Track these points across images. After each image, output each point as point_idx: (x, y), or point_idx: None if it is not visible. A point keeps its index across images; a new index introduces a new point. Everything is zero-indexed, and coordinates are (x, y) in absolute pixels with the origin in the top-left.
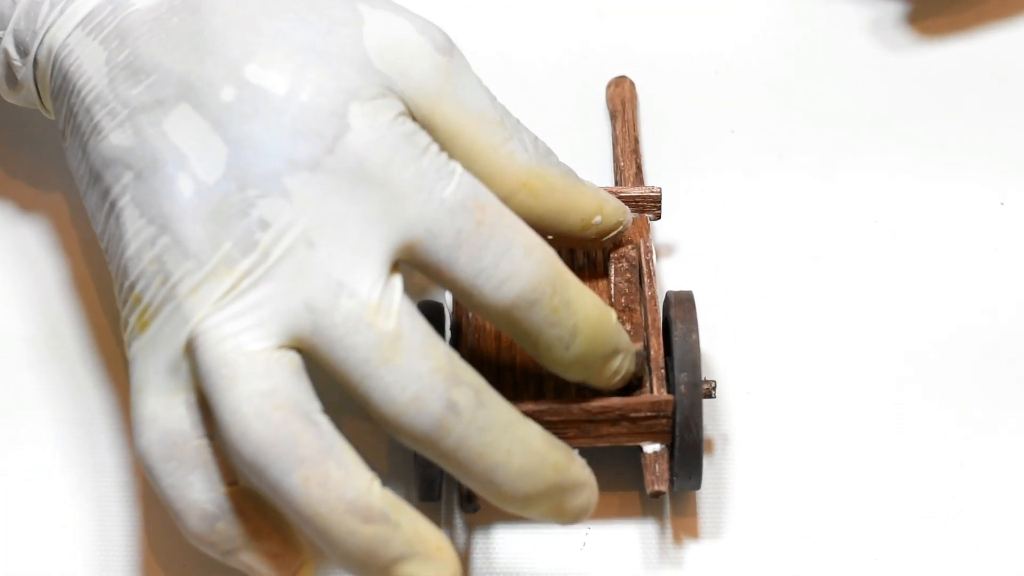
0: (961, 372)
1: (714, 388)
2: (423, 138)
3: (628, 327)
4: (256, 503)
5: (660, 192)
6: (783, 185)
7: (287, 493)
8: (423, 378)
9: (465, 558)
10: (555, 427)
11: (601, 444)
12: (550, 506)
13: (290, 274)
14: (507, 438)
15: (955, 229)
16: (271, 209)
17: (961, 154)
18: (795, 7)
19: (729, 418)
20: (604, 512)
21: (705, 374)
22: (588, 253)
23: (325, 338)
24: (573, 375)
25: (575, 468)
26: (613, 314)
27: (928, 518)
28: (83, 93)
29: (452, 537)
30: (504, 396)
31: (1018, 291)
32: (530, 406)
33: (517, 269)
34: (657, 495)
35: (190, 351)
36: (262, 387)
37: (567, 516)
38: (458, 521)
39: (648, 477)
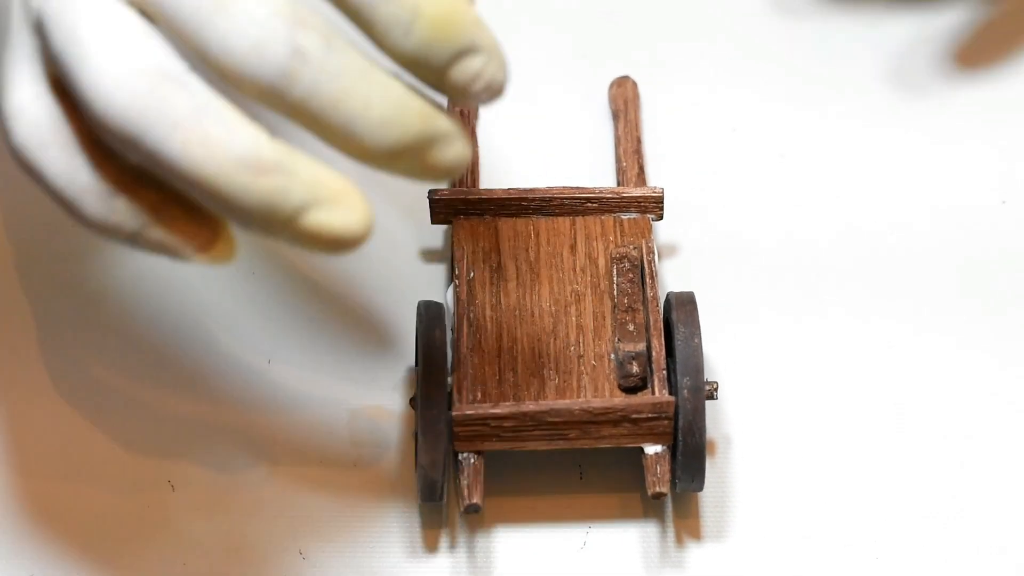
0: (962, 373)
1: (716, 389)
2: None
3: (631, 328)
4: (152, 177)
5: (662, 193)
6: (784, 185)
7: (169, 161)
8: (263, 23)
9: (466, 559)
10: (556, 428)
11: (603, 445)
12: (418, 160)
13: None
14: (364, 84)
15: (956, 228)
16: None
17: (962, 153)
18: (797, 6)
19: (731, 419)
20: (605, 513)
21: (706, 375)
22: (589, 253)
23: None
24: (422, 75)
25: (442, 118)
26: (472, 6)
27: (928, 518)
28: None
29: (453, 537)
30: (505, 397)
31: (1020, 291)
32: (531, 406)
33: None
34: (658, 497)
35: (40, 28)
36: (119, 54)
37: (438, 171)
38: (459, 522)
39: (649, 479)
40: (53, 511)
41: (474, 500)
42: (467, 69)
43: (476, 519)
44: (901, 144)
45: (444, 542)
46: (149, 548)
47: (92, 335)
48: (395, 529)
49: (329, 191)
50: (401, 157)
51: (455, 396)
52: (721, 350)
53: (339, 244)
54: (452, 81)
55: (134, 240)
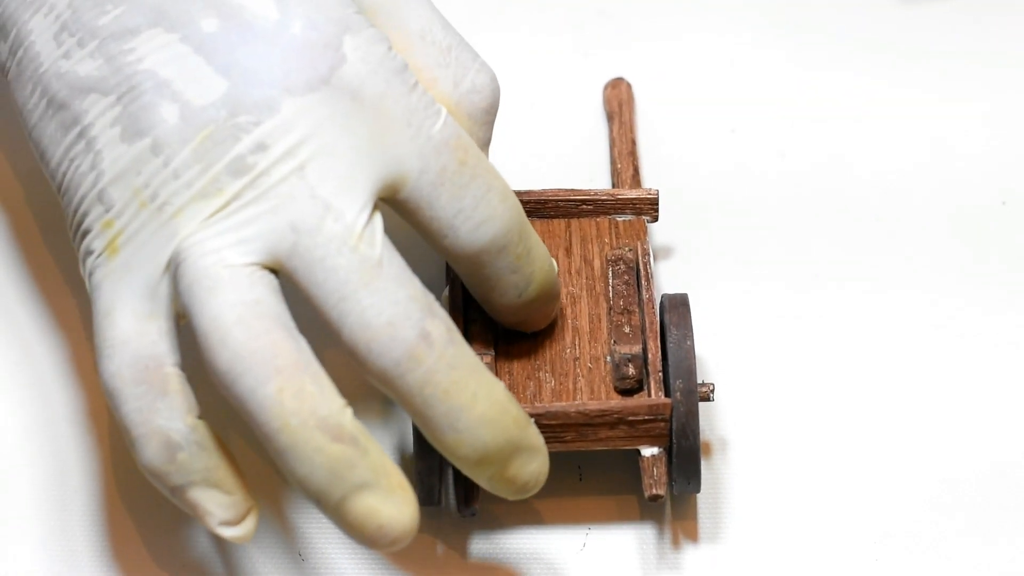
0: (960, 372)
1: (712, 391)
2: (411, 76)
3: (627, 330)
4: (217, 441)
5: (657, 194)
6: (783, 185)
7: (260, 402)
8: (400, 304)
9: (464, 563)
10: (552, 430)
11: (599, 448)
12: (504, 467)
13: (279, 196)
14: (474, 381)
15: (956, 228)
16: (265, 135)
17: (962, 153)
18: (796, 5)
19: (728, 420)
20: (602, 516)
21: (703, 376)
22: (584, 255)
23: (306, 259)
24: (512, 319)
25: (532, 430)
26: (555, 263)
27: (928, 520)
28: (44, 23)
29: (451, 541)
30: None
31: (1020, 290)
32: (527, 409)
33: (494, 212)
34: (655, 499)
35: (171, 269)
36: (245, 297)
37: (518, 483)
38: (458, 527)
39: (646, 481)
40: (53, 512)
41: (472, 505)
42: (551, 314)
43: (473, 523)
44: (901, 142)
45: (442, 547)
46: (149, 548)
47: (90, 334)
48: None
49: (389, 481)
50: (490, 459)
51: None
52: (718, 351)
53: (380, 536)
54: (536, 320)
55: (173, 492)
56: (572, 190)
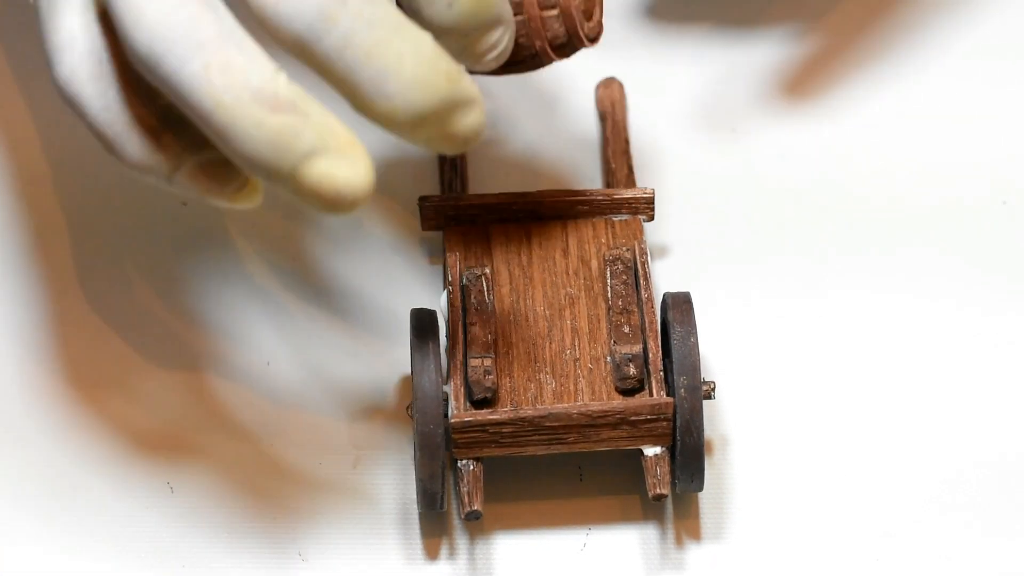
0: (960, 372)
1: (713, 389)
2: None
3: (627, 330)
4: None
5: (653, 193)
6: (784, 185)
7: (187, 83)
8: None
9: (467, 565)
10: (555, 431)
11: (601, 448)
12: (441, 126)
13: None
14: (398, 39)
15: (956, 227)
16: None
17: (962, 153)
18: (796, 6)
19: (729, 419)
20: (605, 516)
21: (704, 375)
22: (582, 256)
23: None
24: (449, 43)
25: (466, 81)
26: None
27: (927, 520)
28: None
29: (453, 543)
30: (502, 402)
31: (1020, 290)
32: (529, 411)
33: None
34: (659, 498)
35: None
36: None
37: (458, 139)
38: (460, 529)
39: (650, 480)
40: (54, 512)
41: (474, 507)
42: (491, 39)
43: (476, 526)
44: (901, 140)
45: (444, 548)
46: (149, 548)
47: (91, 337)
48: (395, 533)
49: (337, 141)
50: (425, 124)
51: (452, 403)
52: (717, 350)
53: (338, 200)
54: (474, 50)
55: (170, 181)
56: (568, 191)
